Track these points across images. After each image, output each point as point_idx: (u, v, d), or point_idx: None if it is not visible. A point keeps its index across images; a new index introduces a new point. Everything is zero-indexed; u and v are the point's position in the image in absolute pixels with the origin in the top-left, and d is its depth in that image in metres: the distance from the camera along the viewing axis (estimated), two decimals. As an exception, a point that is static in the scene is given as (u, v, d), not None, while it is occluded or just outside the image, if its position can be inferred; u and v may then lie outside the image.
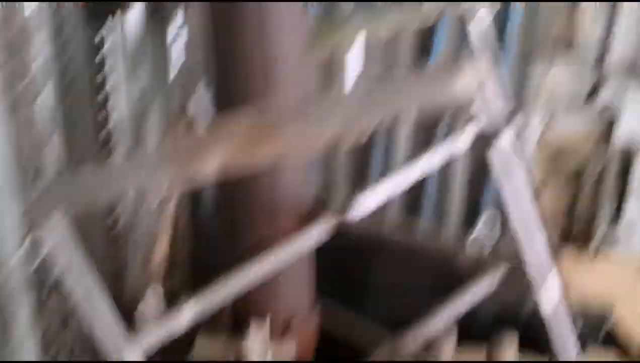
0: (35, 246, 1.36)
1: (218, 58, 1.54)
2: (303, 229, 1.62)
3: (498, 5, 1.82)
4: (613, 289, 2.32)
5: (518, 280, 2.21)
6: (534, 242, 1.14)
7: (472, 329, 2.03)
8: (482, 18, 1.78)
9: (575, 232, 2.41)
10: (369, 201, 1.64)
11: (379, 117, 1.05)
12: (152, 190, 1.25)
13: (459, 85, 0.96)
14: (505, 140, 1.06)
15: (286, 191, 1.62)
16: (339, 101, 1.06)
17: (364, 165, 2.42)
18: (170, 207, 2.09)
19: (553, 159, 2.35)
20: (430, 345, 1.90)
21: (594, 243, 2.40)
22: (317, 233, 1.61)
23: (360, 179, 2.43)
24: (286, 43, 1.45)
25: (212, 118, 1.58)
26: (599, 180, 2.35)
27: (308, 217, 1.65)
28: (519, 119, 1.06)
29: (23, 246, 1.37)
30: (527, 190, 1.11)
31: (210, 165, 1.07)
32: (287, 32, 1.46)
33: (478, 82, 0.99)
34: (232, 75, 1.48)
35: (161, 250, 2.06)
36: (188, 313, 1.47)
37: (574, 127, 2.31)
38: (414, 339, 1.85)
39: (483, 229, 1.26)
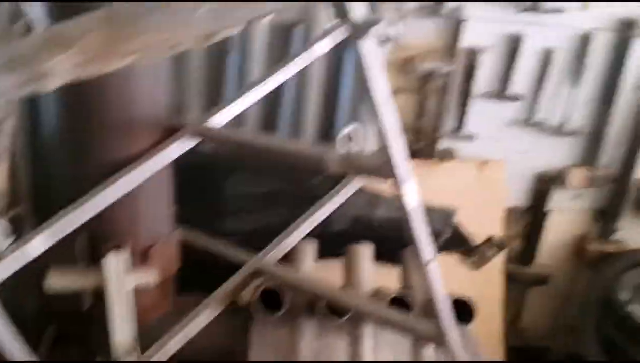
0: None
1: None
2: (159, 146, 1.53)
3: None
4: (455, 192, 2.47)
5: (365, 192, 2.32)
6: (393, 145, 1.15)
7: (330, 243, 2.10)
8: None
9: (421, 140, 2.51)
10: (225, 114, 1.58)
11: (246, 16, 0.99)
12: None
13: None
14: (367, 44, 1.04)
15: (140, 106, 1.51)
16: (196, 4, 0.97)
17: (219, 78, 2.33)
18: (6, 132, 1.90)
19: (402, 66, 2.41)
20: (291, 258, 1.92)
21: (437, 151, 2.51)
22: (174, 149, 1.53)
23: (216, 92, 2.34)
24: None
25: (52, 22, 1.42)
26: (444, 88, 2.44)
27: (164, 133, 1.55)
28: (379, 23, 1.04)
29: None
30: (387, 95, 1.11)
31: (55, 71, 0.96)
32: None
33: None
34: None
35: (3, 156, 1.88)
36: (36, 243, 1.35)
37: (422, 34, 2.37)
38: (274, 252, 1.86)
39: (340, 141, 1.26)
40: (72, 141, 1.59)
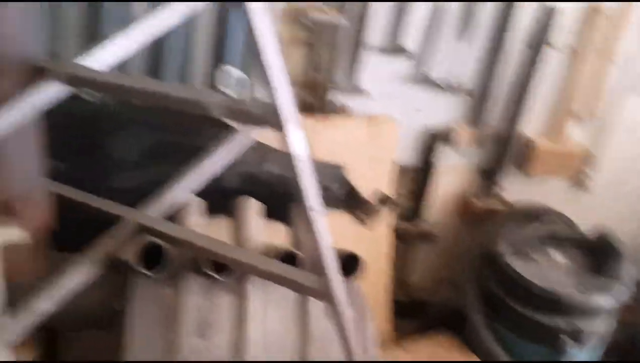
0: None
1: None
2: (26, 89, 1.38)
3: None
4: (346, 148, 2.46)
5: (256, 147, 2.25)
6: (280, 92, 1.09)
7: (219, 200, 2.03)
8: None
9: (312, 94, 2.46)
10: (105, 57, 1.45)
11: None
12: None
13: None
14: None
15: (5, 43, 1.35)
16: None
17: (96, 19, 2.16)
18: None
19: (293, 16, 2.34)
20: (176, 215, 1.84)
21: (329, 106, 2.48)
22: (43, 94, 1.39)
23: (92, 34, 2.17)
24: None
25: None
26: (334, 41, 2.40)
27: (33, 76, 1.41)
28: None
29: None
30: (273, 40, 1.05)
31: None
32: None
33: None
34: None
35: None
36: None
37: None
38: (158, 208, 1.76)
39: (227, 88, 1.18)
40: None
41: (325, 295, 1.42)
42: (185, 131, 2.18)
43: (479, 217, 2.74)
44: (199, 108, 1.21)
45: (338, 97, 2.50)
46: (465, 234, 2.82)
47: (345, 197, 2.50)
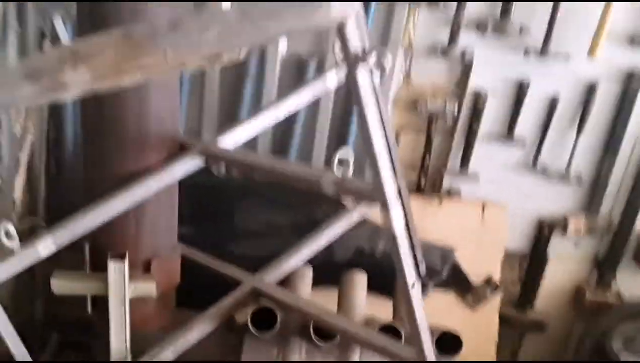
0: None
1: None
2: (166, 163, 1.61)
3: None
4: (456, 231, 2.53)
5: (369, 225, 2.38)
6: (383, 171, 1.22)
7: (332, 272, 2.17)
8: None
9: (426, 179, 2.58)
10: (235, 136, 1.66)
11: (252, 40, 1.07)
12: (12, 105, 1.19)
13: (324, 16, 1.01)
14: (363, 75, 1.12)
15: (153, 123, 1.59)
16: (207, 23, 1.06)
17: (235, 100, 2.43)
18: (28, 143, 2.00)
19: (411, 104, 2.49)
20: (289, 281, 1.98)
21: (442, 191, 2.58)
22: (181, 167, 1.61)
23: (230, 115, 2.44)
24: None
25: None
26: (451, 129, 2.52)
27: (175, 151, 1.64)
28: (377, 57, 1.11)
29: None
30: (381, 124, 1.18)
31: (73, 82, 1.04)
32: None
33: (341, 16, 1.04)
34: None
35: (19, 186, 1.97)
36: (46, 243, 1.43)
37: (429, 74, 2.46)
38: (273, 275, 1.92)
39: (341, 166, 1.32)
40: (88, 153, 1.68)
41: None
42: (302, 206, 2.36)
43: (591, 310, 2.67)
44: (312, 185, 1.36)
45: (451, 182, 2.60)
46: (576, 326, 2.76)
47: (454, 279, 2.55)
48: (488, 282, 2.53)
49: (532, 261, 2.71)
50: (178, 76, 1.69)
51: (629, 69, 2.41)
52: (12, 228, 1.40)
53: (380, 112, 1.19)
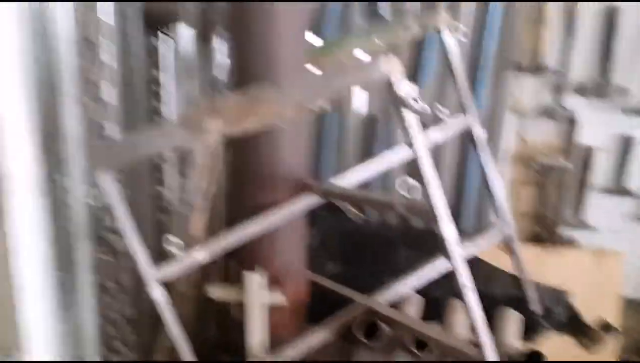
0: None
1: (237, 61, 2.06)
2: (296, 198, 2.09)
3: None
4: (572, 279, 2.70)
5: (486, 267, 2.64)
6: (434, 196, 1.58)
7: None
8: (458, 30, 2.24)
9: (542, 230, 2.80)
10: (352, 178, 2.13)
11: (330, 92, 1.53)
12: (174, 147, 1.75)
13: (375, 72, 1.44)
14: (408, 116, 1.51)
15: (284, 166, 2.09)
16: (299, 81, 1.54)
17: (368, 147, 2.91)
18: (205, 178, 2.57)
19: (525, 161, 2.77)
20: (398, 306, 2.33)
21: (560, 240, 2.78)
22: (303, 203, 2.08)
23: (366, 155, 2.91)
24: (284, 51, 1.95)
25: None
26: (562, 182, 2.75)
27: (301, 189, 2.12)
28: (420, 104, 1.50)
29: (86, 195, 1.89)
30: (427, 158, 1.56)
31: (212, 128, 1.57)
32: (286, 43, 1.96)
33: (391, 73, 1.46)
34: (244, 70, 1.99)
35: (202, 213, 2.52)
36: (201, 254, 1.97)
37: (541, 133, 2.73)
38: (385, 297, 2.28)
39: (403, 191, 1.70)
40: (233, 190, 2.22)
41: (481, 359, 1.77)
42: (418, 246, 2.71)
43: None
44: (388, 207, 1.76)
45: (566, 231, 2.80)
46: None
47: (569, 321, 2.70)
48: (605, 325, 2.65)
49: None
50: (304, 133, 2.18)
51: None
52: (179, 241, 1.95)
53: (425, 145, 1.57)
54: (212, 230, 2.81)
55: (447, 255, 1.66)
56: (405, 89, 1.51)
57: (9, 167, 1.70)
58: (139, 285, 2.28)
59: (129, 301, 2.29)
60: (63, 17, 1.87)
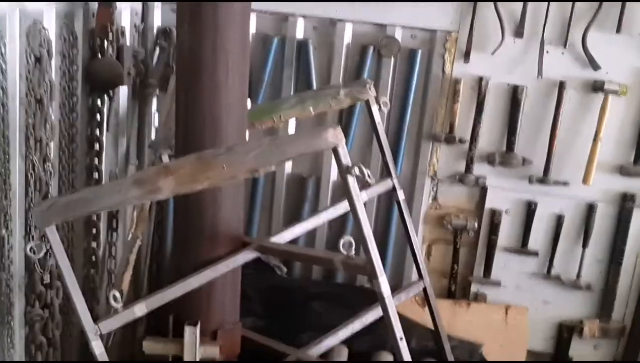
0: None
1: (181, 127, 2.18)
2: (232, 253, 2.19)
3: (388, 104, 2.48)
4: (483, 332, 2.92)
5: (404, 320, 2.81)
6: (371, 252, 1.73)
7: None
8: (383, 103, 2.46)
9: (456, 285, 3.03)
10: (286, 235, 2.26)
11: (281, 158, 1.68)
12: (127, 204, 1.83)
13: (323, 142, 1.61)
14: (352, 181, 1.68)
15: (224, 224, 2.20)
16: (251, 146, 1.68)
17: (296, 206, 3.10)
18: (136, 247, 2.63)
19: (439, 222, 3.01)
20: (327, 355, 2.45)
21: (470, 295, 3.02)
22: (241, 257, 2.19)
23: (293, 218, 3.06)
24: (227, 119, 2.09)
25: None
26: (474, 242, 3.00)
27: (239, 245, 2.22)
28: (360, 169, 1.69)
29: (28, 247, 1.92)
30: (364, 217, 1.72)
31: (165, 186, 1.67)
32: (229, 111, 2.10)
33: (338, 143, 1.63)
34: (191, 134, 2.11)
35: (126, 281, 2.56)
36: (139, 307, 2.02)
37: (455, 197, 2.99)
38: (316, 350, 2.39)
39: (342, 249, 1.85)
40: (176, 245, 2.30)
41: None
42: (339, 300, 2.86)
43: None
44: (327, 263, 1.90)
45: (478, 288, 3.03)
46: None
47: (481, 373, 2.90)
48: (511, 377, 2.87)
49: (555, 361, 3.03)
50: (242, 193, 2.30)
51: (622, 192, 2.86)
52: (118, 295, 2.00)
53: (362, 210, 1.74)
54: (137, 284, 2.86)
55: (383, 308, 1.81)
56: (346, 158, 1.68)
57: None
58: (68, 339, 2.31)
59: (59, 356, 2.29)
60: (14, 75, 1.94)
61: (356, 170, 1.68)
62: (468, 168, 2.92)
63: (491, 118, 2.90)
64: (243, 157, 1.68)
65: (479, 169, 2.93)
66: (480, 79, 2.88)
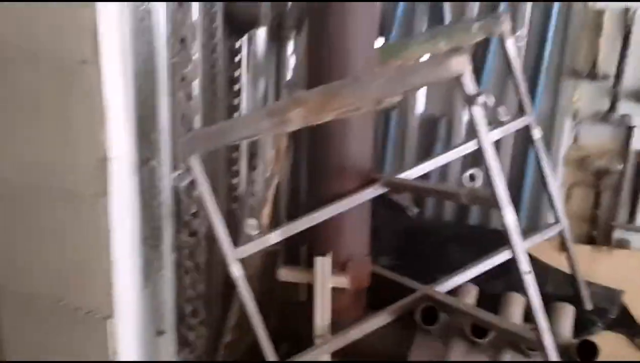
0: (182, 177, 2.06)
1: (313, 59, 2.25)
2: (362, 189, 2.25)
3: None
4: (625, 280, 2.78)
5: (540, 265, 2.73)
6: (497, 184, 1.70)
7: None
8: (518, 37, 2.39)
9: (596, 232, 2.90)
10: (409, 173, 2.28)
11: (405, 88, 1.69)
12: (260, 134, 1.92)
13: (447, 70, 1.59)
14: (478, 110, 1.64)
15: (351, 160, 2.26)
16: (376, 76, 1.70)
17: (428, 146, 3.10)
18: (274, 183, 2.75)
19: (580, 164, 2.87)
20: (456, 293, 2.45)
21: (613, 242, 2.87)
22: (370, 192, 2.24)
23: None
24: (358, 49, 2.12)
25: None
26: (617, 185, 2.84)
27: (367, 180, 2.27)
28: (482, 95, 1.65)
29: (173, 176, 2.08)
30: (492, 149, 1.69)
31: (294, 117, 1.74)
32: (360, 41, 2.13)
33: (462, 72, 1.60)
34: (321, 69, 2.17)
35: (265, 215, 2.70)
36: (274, 235, 2.14)
37: (597, 137, 2.84)
38: (443, 287, 2.41)
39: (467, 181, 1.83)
40: (308, 181, 2.40)
41: (537, 345, 1.88)
42: (471, 242, 2.83)
43: None
44: (453, 197, 1.90)
45: (619, 234, 2.88)
46: None
47: (621, 320, 2.77)
48: (656, 327, 2.71)
49: None
50: (370, 129, 2.34)
51: None
52: (255, 222, 2.13)
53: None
54: (276, 220, 3.00)
55: (510, 240, 1.78)
56: (475, 87, 1.65)
57: (112, 150, 1.91)
58: (212, 266, 2.49)
59: (204, 280, 2.48)
60: (160, 16, 2.08)
61: (482, 98, 1.65)
62: (612, 106, 2.75)
63: (638, 52, 2.71)
64: (367, 87, 1.71)
65: (624, 107, 2.76)
66: (626, 10, 2.69)
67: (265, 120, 1.82)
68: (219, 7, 2.43)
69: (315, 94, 1.78)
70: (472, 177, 1.83)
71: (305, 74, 2.37)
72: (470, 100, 1.65)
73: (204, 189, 1.99)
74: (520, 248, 1.79)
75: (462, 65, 1.62)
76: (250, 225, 2.11)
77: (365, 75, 1.79)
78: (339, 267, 2.35)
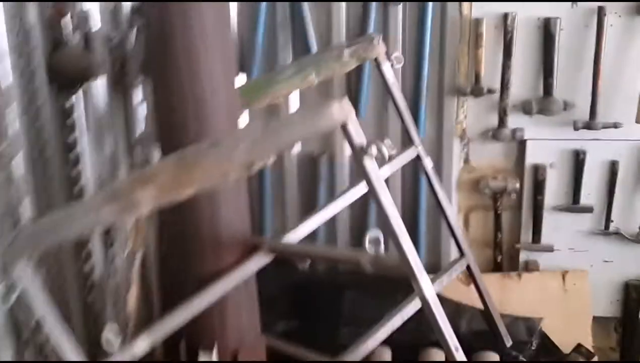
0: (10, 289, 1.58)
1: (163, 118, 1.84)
2: (243, 261, 1.86)
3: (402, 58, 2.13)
4: (540, 303, 2.59)
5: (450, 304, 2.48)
6: (404, 248, 1.39)
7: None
8: (396, 59, 2.12)
9: (501, 256, 2.69)
10: (294, 234, 1.93)
11: (279, 147, 1.33)
12: (102, 224, 1.51)
13: (327, 121, 1.26)
14: (369, 163, 1.33)
15: (226, 227, 1.87)
16: (241, 137, 1.33)
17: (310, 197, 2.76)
18: (138, 257, 2.33)
19: (474, 187, 2.66)
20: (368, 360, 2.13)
21: (520, 265, 2.67)
22: (254, 263, 1.86)
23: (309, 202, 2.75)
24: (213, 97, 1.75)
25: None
26: (517, 204, 2.65)
27: (247, 249, 1.89)
28: (377, 147, 1.35)
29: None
30: (391, 205, 1.38)
31: (143, 198, 1.33)
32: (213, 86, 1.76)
33: (344, 117, 1.28)
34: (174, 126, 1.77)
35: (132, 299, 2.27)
36: (141, 342, 1.70)
37: (489, 156, 2.66)
38: (353, 356, 2.08)
39: (368, 245, 1.53)
40: (173, 259, 1.98)
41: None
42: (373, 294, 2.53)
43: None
44: (354, 264, 1.56)
45: (528, 255, 2.69)
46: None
47: (544, 349, 2.58)
48: (578, 349, 2.53)
49: (625, 326, 2.69)
50: (244, 186, 1.97)
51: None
52: (115, 328, 1.68)
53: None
54: (148, 299, 2.54)
55: (428, 312, 1.48)
56: (362, 135, 1.34)
57: None
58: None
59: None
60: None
61: (373, 149, 1.34)
62: (501, 121, 2.56)
63: (522, 60, 2.54)
64: (232, 151, 1.34)
65: (515, 120, 2.57)
66: (505, 16, 2.50)
67: (107, 206, 1.39)
68: (38, 63, 1.97)
69: (166, 166, 1.39)
70: (375, 241, 1.51)
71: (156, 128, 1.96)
72: (360, 153, 1.33)
73: (39, 303, 1.52)
74: (442, 320, 1.49)
75: (344, 112, 1.31)
76: (108, 338, 1.66)
77: (226, 136, 1.41)
78: (230, 358, 1.95)
